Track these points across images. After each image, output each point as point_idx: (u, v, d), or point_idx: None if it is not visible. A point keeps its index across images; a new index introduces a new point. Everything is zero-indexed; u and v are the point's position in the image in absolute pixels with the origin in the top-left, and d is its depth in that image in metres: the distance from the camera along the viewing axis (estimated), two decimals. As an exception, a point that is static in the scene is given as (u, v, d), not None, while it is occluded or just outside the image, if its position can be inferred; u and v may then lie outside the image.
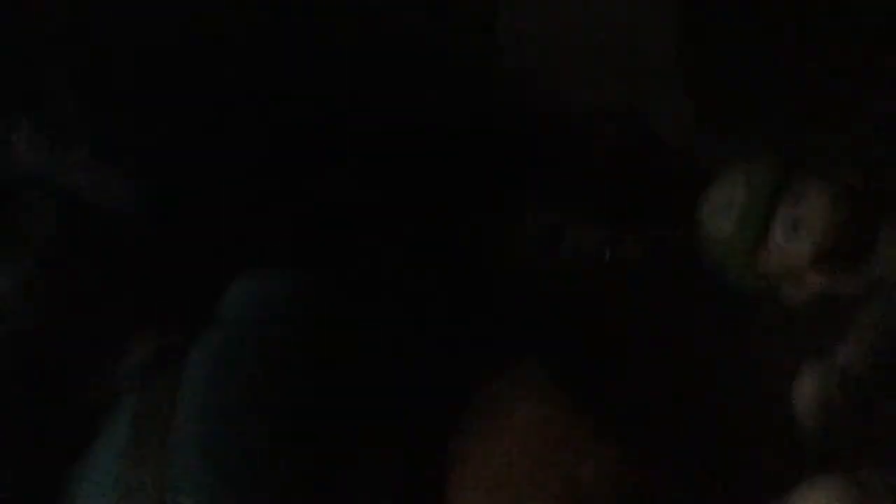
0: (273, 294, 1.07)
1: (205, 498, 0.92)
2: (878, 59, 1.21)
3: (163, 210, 1.15)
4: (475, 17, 1.32)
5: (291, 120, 1.23)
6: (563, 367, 1.05)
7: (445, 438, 1.01)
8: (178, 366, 1.01)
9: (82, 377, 1.05)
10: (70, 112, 1.15)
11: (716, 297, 1.15)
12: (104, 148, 1.15)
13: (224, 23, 1.21)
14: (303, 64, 1.24)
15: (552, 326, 1.13)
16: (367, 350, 1.04)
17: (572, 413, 0.99)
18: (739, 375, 1.08)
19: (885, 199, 1.12)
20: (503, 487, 0.96)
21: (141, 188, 1.15)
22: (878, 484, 0.90)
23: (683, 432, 1.04)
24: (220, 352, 1.01)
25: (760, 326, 1.12)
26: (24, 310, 1.07)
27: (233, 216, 1.17)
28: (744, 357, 1.10)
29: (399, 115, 1.27)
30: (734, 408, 1.06)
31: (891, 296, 1.07)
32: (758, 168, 1.17)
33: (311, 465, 0.95)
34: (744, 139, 1.23)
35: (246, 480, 0.94)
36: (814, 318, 1.10)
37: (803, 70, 1.23)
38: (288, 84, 1.24)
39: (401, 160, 1.25)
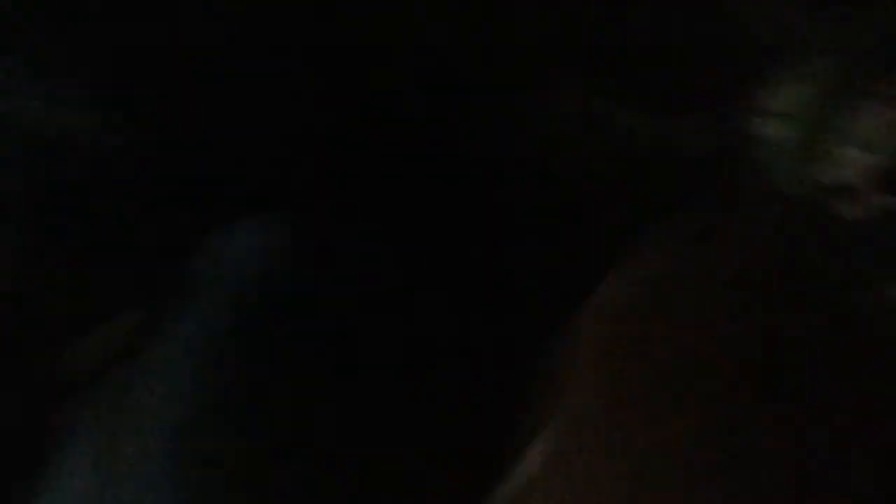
0: (271, 245, 0.89)
1: None
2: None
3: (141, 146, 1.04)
4: None
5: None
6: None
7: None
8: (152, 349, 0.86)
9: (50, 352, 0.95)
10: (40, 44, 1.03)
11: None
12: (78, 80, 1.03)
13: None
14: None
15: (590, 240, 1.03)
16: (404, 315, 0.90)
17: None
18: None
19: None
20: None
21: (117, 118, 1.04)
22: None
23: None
24: (199, 331, 0.84)
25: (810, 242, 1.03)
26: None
27: (217, 152, 1.04)
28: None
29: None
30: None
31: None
32: (823, 64, 1.04)
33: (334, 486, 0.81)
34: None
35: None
36: (869, 241, 1.01)
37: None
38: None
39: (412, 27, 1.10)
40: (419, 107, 1.08)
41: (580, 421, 0.79)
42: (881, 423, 0.80)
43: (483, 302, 0.96)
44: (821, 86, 1.03)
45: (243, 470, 0.78)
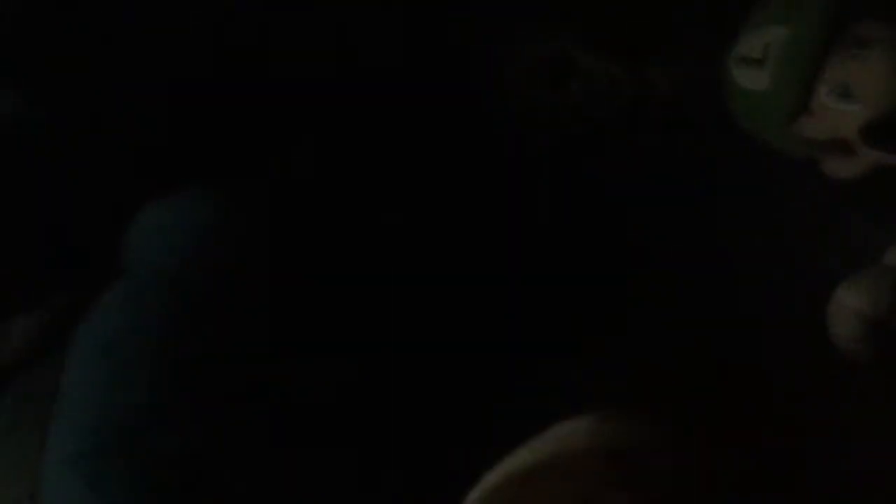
0: (190, 222, 0.81)
1: None
2: None
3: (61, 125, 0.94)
4: None
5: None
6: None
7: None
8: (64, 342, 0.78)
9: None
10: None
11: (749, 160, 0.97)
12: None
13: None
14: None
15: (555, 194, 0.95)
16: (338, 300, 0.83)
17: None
18: (773, 271, 0.93)
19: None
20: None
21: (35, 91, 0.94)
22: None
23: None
24: (113, 321, 0.76)
25: (798, 204, 0.96)
26: None
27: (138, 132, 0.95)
28: (778, 248, 0.94)
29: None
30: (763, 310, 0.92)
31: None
32: (802, 4, 0.94)
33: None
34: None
35: None
36: (862, 198, 0.93)
37: None
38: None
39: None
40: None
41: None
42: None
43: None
44: (796, 26, 0.93)
45: (143, 492, 0.72)
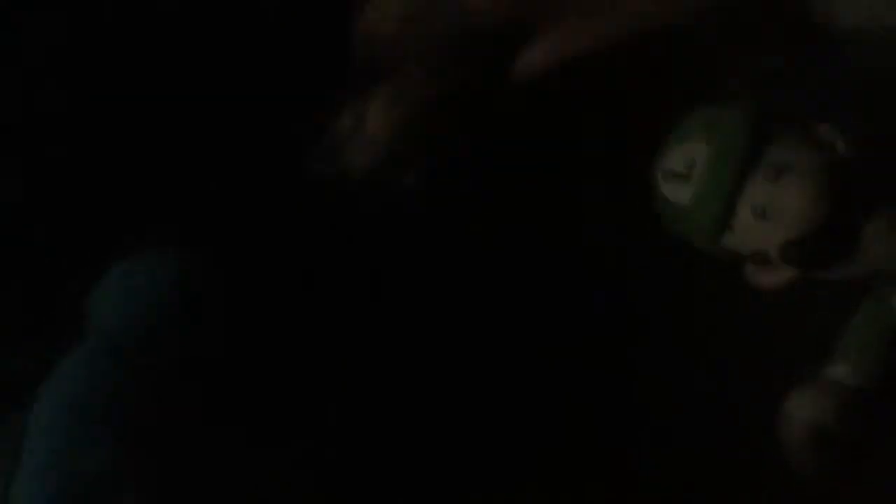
0: (153, 284, 0.84)
1: None
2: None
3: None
4: None
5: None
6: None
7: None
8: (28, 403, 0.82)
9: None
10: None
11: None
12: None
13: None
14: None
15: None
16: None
17: None
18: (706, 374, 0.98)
19: (874, 182, 0.93)
20: None
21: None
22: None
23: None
24: (76, 385, 0.79)
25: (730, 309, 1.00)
26: None
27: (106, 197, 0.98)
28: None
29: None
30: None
31: (881, 296, 0.93)
32: (726, 122, 0.96)
33: None
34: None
35: None
36: (788, 313, 0.97)
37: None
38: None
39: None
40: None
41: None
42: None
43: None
44: (718, 144, 0.95)
45: None
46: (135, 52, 0.99)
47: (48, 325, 0.90)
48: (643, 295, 1.02)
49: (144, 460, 0.78)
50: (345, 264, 0.96)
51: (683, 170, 0.97)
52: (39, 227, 0.96)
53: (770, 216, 0.94)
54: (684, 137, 0.97)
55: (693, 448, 0.96)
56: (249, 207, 0.98)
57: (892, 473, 0.92)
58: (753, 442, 0.94)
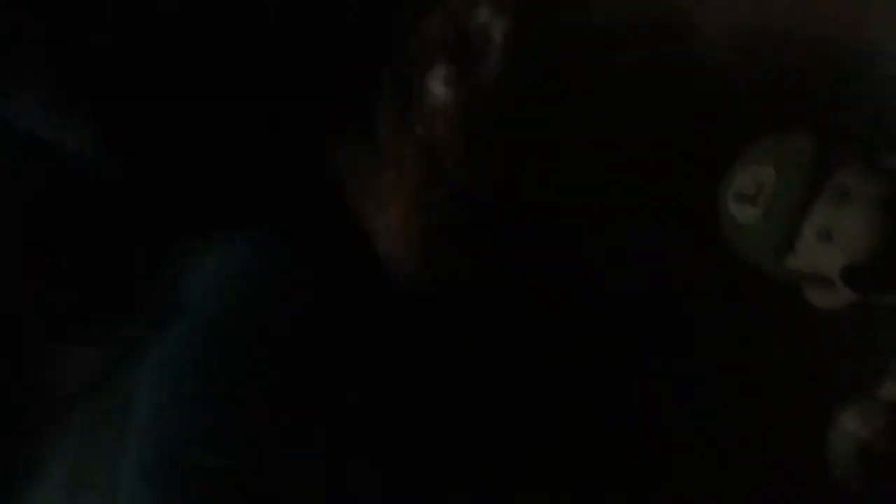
0: (249, 267, 0.88)
1: None
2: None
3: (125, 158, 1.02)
4: None
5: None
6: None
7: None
8: (131, 370, 0.86)
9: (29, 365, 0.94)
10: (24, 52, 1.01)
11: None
12: (60, 89, 1.02)
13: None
14: None
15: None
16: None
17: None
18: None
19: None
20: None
21: (102, 132, 1.01)
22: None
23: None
24: (181, 355, 0.84)
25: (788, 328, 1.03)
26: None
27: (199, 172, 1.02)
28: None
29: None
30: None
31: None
32: (792, 146, 1.00)
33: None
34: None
35: None
36: (847, 333, 1.00)
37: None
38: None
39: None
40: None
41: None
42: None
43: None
44: (785, 168, 0.99)
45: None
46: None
47: (138, 300, 0.94)
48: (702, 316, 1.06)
49: (243, 426, 0.82)
50: None
51: (752, 192, 1.01)
52: (138, 201, 1.00)
53: (833, 239, 0.98)
54: (753, 161, 1.01)
55: (751, 465, 1.00)
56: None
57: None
58: (806, 457, 0.98)
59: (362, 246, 0.97)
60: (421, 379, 0.93)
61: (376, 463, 0.86)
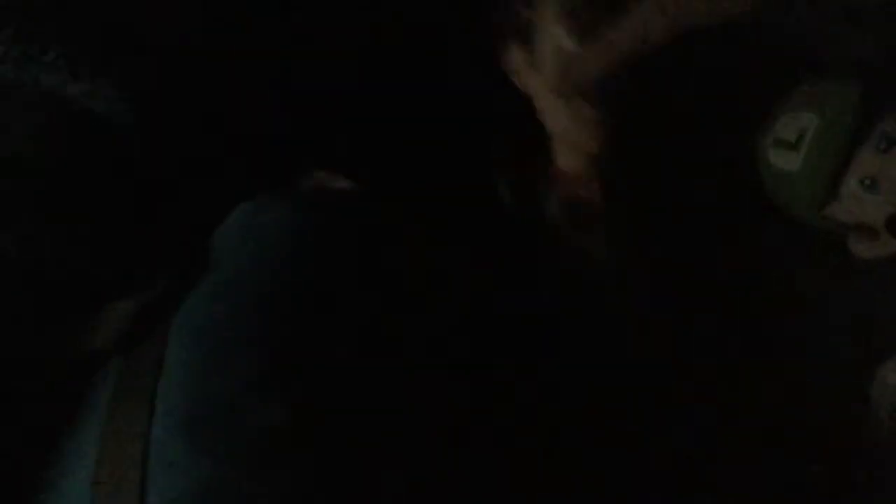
0: (279, 226, 0.86)
1: (189, 499, 0.75)
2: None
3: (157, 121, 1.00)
4: None
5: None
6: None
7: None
8: (165, 328, 0.83)
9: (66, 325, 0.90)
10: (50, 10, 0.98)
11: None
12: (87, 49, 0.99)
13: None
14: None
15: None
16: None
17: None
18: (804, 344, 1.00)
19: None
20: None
21: (134, 95, 0.99)
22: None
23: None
24: (212, 311, 0.81)
25: (826, 277, 1.01)
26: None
27: (234, 132, 1.01)
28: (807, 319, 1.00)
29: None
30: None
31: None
32: (837, 94, 0.97)
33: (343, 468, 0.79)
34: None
35: (246, 479, 0.76)
36: (890, 283, 0.98)
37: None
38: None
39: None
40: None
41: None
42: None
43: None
44: (828, 113, 0.97)
45: (253, 457, 0.77)
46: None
47: (178, 255, 0.90)
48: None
49: (287, 377, 0.80)
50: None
51: (793, 138, 0.98)
52: (175, 160, 0.97)
53: (878, 189, 0.95)
54: (794, 107, 0.99)
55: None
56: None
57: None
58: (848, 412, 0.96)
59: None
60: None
61: (428, 417, 0.84)
